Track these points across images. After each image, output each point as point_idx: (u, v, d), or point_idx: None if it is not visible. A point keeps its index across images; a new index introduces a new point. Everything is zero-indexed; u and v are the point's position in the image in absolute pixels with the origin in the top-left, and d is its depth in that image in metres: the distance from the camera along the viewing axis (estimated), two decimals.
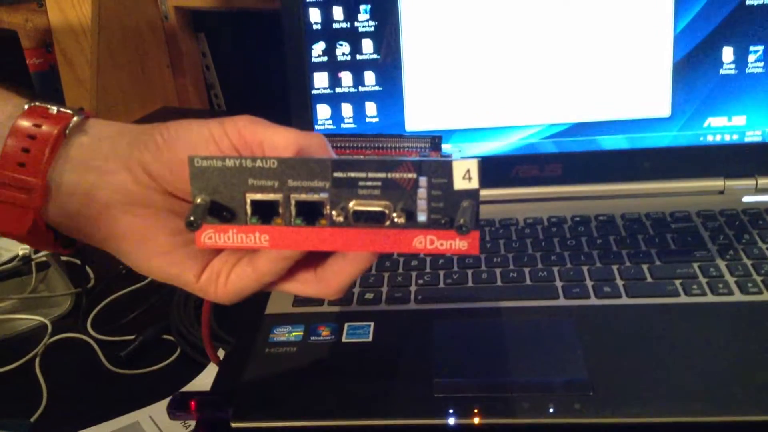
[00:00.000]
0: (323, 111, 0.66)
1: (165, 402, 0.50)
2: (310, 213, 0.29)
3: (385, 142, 0.36)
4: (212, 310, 0.58)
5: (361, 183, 0.29)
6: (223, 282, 0.33)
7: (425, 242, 0.29)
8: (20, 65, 0.85)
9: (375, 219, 0.29)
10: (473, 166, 0.28)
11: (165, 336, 0.59)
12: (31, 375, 0.56)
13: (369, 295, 0.54)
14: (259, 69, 1.00)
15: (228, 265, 0.33)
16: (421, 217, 0.29)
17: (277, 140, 0.31)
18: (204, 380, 0.54)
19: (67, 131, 0.32)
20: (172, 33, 1.02)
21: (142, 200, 0.32)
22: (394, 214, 0.29)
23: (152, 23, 1.01)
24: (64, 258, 0.70)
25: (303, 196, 0.29)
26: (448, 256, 0.58)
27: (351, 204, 0.29)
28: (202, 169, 0.29)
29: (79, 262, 0.69)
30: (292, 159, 0.29)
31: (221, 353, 0.53)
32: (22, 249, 0.71)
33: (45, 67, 0.98)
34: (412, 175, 0.28)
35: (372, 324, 0.50)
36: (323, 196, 0.29)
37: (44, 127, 0.31)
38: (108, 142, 0.32)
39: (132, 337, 0.59)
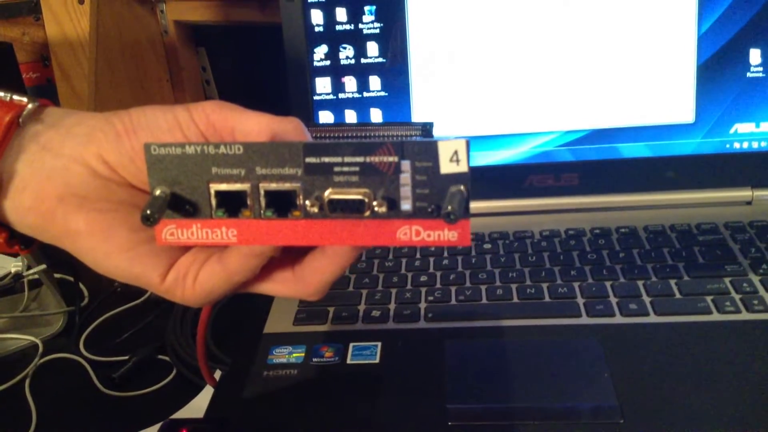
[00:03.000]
0: (326, 118, 0.64)
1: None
2: (282, 204, 0.27)
3: (370, 130, 0.34)
4: (209, 328, 0.56)
5: (336, 169, 0.26)
6: (191, 283, 0.30)
7: (410, 233, 0.27)
8: (15, 79, 0.85)
9: (353, 209, 0.27)
10: (461, 146, 0.25)
11: (160, 356, 0.58)
12: (21, 397, 0.55)
13: (375, 313, 0.52)
14: (260, 84, 1.00)
15: (196, 264, 0.30)
16: (405, 206, 0.27)
17: (249, 126, 0.29)
18: (201, 403, 0.52)
19: (20, 120, 0.30)
20: (172, 47, 1.02)
21: (100, 194, 0.30)
22: (375, 203, 0.26)
23: (151, 37, 1.01)
24: (57, 275, 0.69)
25: (273, 185, 0.27)
26: (459, 270, 0.56)
27: (326, 193, 0.27)
28: (160, 157, 0.27)
29: (72, 279, 0.68)
30: (259, 144, 0.27)
31: (219, 374, 0.51)
32: (14, 266, 0.70)
33: (42, 82, 0.98)
34: (393, 159, 0.26)
35: (379, 344, 0.48)
36: (295, 184, 0.27)
37: None
38: (64, 131, 0.30)
39: (126, 357, 0.57)
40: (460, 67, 0.62)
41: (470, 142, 0.26)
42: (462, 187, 0.26)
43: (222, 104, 0.30)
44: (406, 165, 0.26)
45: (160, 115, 0.30)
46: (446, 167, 0.26)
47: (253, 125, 0.29)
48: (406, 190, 0.26)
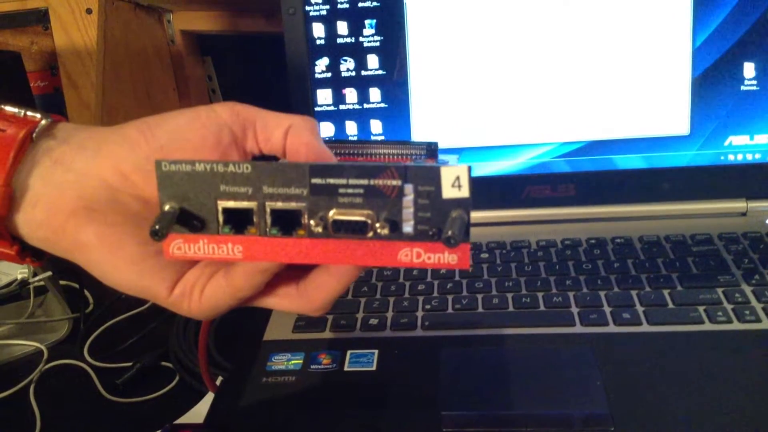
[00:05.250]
0: (327, 129, 0.65)
1: None
2: (287, 222, 0.28)
3: (376, 148, 0.34)
4: (210, 335, 0.56)
5: (341, 190, 0.27)
6: (198, 297, 0.31)
7: (411, 255, 0.27)
8: (24, 87, 0.85)
9: (357, 230, 0.27)
10: (463, 172, 0.26)
11: (163, 363, 0.58)
12: (25, 403, 0.54)
13: (373, 321, 0.52)
14: (265, 93, 1.00)
15: (203, 278, 0.31)
16: (407, 228, 0.27)
17: (269, 118, 0.31)
18: (204, 409, 0.51)
19: (33, 135, 0.31)
20: (178, 57, 1.03)
21: (109, 207, 0.30)
22: (378, 225, 0.27)
23: (158, 47, 1.01)
24: (63, 282, 0.69)
25: (279, 204, 0.27)
26: (456, 279, 0.56)
27: (331, 213, 0.27)
28: (170, 173, 0.28)
29: (77, 286, 0.68)
30: (266, 164, 0.27)
31: (220, 381, 0.51)
32: (20, 273, 0.70)
33: (50, 90, 0.98)
34: (396, 182, 0.26)
35: (376, 352, 0.48)
36: (301, 204, 0.27)
37: (9, 131, 0.30)
38: (76, 145, 0.31)
39: (130, 363, 0.57)
40: (459, 79, 0.62)
41: (471, 168, 0.26)
42: (463, 212, 0.26)
43: (243, 104, 0.32)
44: (409, 189, 0.26)
45: (177, 113, 0.31)
46: (448, 192, 0.26)
47: (272, 118, 0.31)
48: (408, 213, 0.27)
